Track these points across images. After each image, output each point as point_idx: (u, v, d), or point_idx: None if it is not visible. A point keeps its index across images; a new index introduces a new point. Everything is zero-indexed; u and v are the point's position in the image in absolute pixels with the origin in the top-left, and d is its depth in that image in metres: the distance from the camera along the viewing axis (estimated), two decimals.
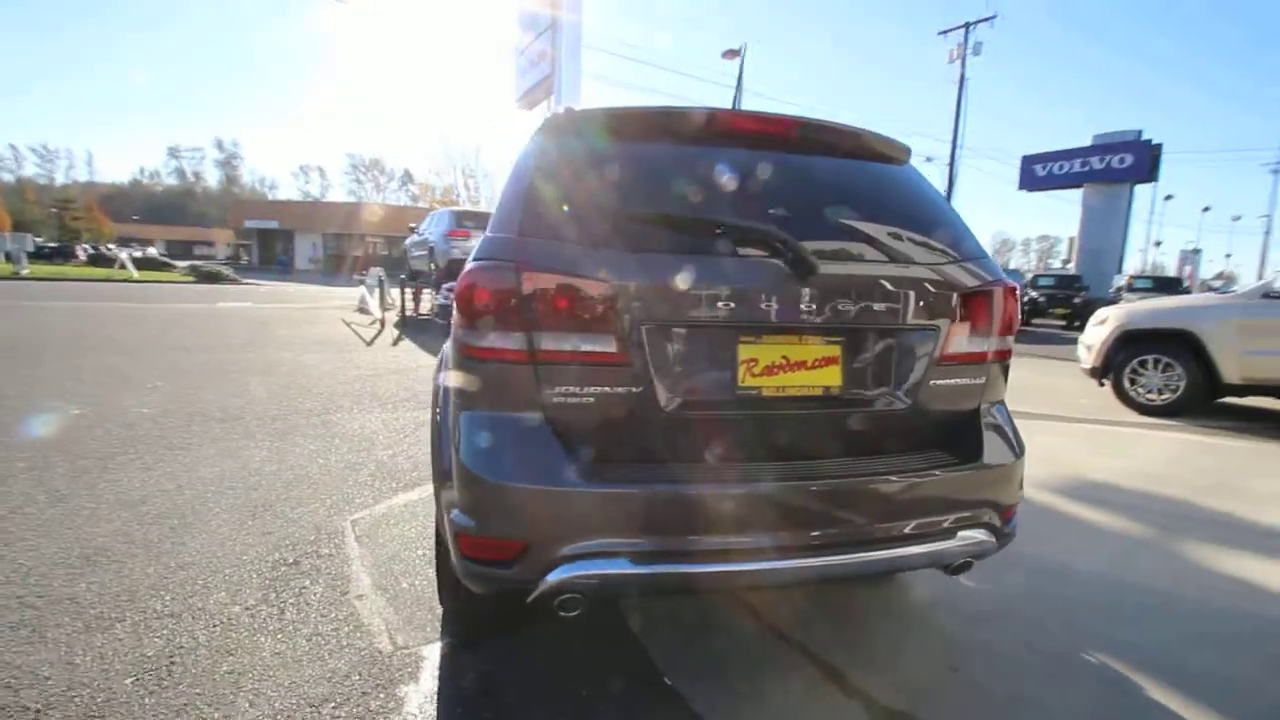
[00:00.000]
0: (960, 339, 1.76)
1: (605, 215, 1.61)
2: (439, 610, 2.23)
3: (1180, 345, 5.61)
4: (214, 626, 2.07)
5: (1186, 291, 19.26)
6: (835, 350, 1.66)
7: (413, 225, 15.00)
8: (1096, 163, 22.65)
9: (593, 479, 1.47)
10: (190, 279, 24.47)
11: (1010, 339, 1.89)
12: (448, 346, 2.16)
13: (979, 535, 1.72)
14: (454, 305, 1.65)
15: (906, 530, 1.63)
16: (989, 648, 2.10)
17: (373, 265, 18.46)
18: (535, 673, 1.92)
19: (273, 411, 5.02)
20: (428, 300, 14.50)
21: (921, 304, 1.70)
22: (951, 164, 26.71)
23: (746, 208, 1.67)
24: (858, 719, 1.72)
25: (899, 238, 1.76)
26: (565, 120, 1.79)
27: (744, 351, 1.59)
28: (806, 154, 1.85)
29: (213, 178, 72.49)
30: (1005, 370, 1.92)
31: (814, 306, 1.60)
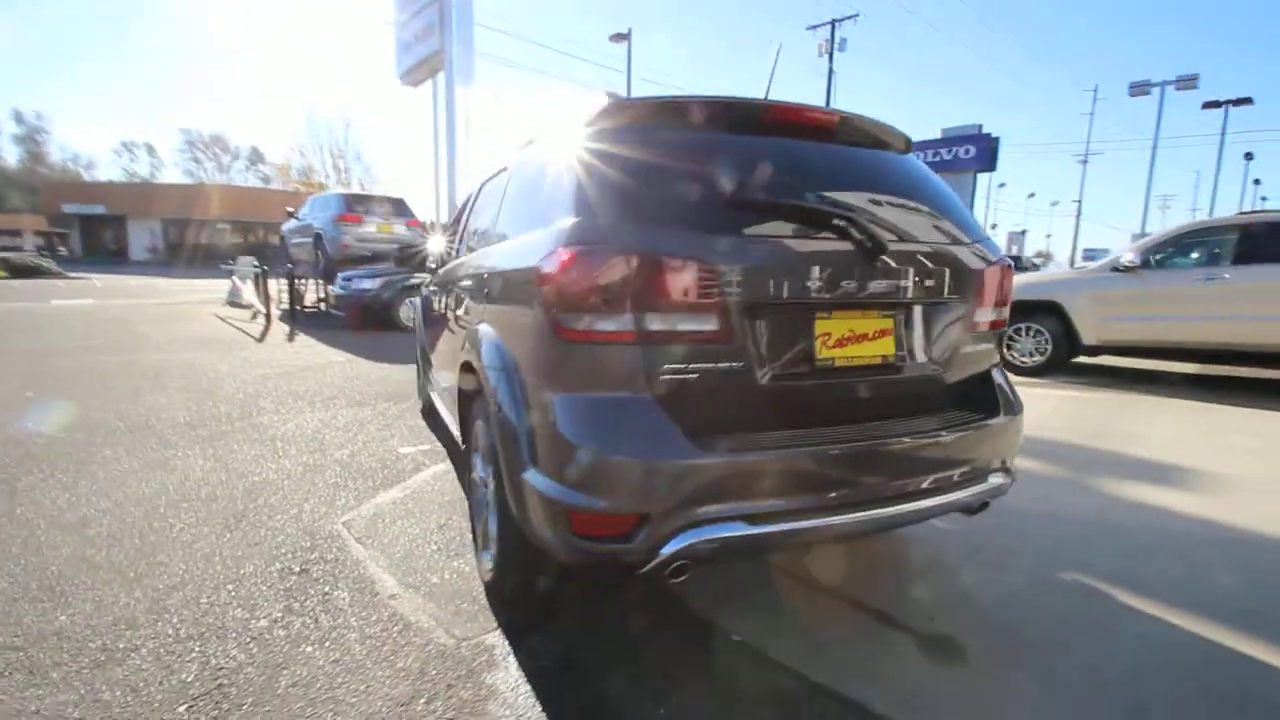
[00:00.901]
0: (979, 310, 2.01)
1: (694, 200, 1.67)
2: (482, 600, 2.20)
3: (1048, 314, 6.51)
4: (248, 643, 1.92)
5: (1025, 268, 21.96)
6: (889, 323, 1.84)
7: (290, 210, 13.77)
8: (945, 154, 24.76)
9: (705, 450, 1.54)
10: (1, 274, 20.92)
11: (1006, 309, 2.17)
12: (487, 330, 2.11)
13: (999, 478, 2.00)
14: (543, 289, 1.63)
15: (957, 477, 1.86)
16: (984, 576, 2.42)
17: (240, 254, 16.77)
18: (607, 645, 1.97)
19: (185, 418, 4.54)
20: (313, 291, 13.43)
21: (954, 279, 1.93)
22: None
23: (810, 193, 1.80)
24: (913, 648, 1.95)
25: (930, 220, 1.97)
26: (625, 109, 1.81)
27: (819, 326, 1.73)
28: (847, 144, 2.01)
29: (12, 156, 61.06)
30: (1002, 337, 2.21)
31: (875, 284, 1.76)
